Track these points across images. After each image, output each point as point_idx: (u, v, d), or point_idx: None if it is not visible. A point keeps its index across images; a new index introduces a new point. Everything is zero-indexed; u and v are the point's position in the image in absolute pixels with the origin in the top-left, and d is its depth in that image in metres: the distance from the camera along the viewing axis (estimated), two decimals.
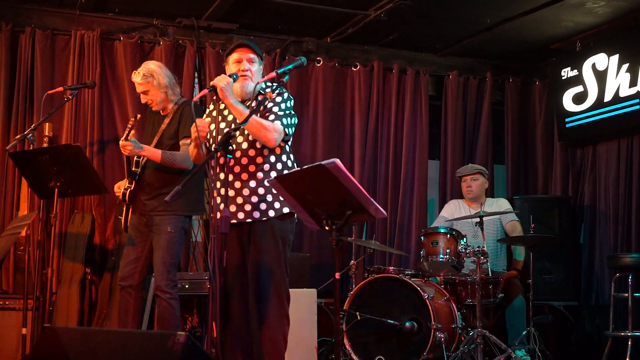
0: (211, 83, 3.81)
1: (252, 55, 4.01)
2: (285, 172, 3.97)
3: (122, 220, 4.81)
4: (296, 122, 4.03)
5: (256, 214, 3.92)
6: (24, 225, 5.01)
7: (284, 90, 3.97)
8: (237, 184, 3.93)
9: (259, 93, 3.95)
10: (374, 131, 6.83)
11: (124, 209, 4.80)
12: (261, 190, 3.93)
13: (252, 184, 3.92)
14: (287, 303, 3.99)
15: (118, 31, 6.18)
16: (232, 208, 3.93)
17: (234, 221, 3.93)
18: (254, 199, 3.92)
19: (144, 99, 4.86)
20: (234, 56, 4.02)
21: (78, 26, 6.06)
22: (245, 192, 3.92)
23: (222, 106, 3.97)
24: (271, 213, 3.94)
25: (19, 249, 5.68)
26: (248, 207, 3.92)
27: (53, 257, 4.96)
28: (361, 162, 6.76)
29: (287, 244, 4.00)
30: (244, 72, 3.95)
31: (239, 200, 3.93)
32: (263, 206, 3.93)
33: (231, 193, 3.93)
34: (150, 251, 4.75)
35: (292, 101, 4.03)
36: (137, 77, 4.81)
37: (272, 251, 3.93)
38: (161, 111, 4.89)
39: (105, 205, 5.98)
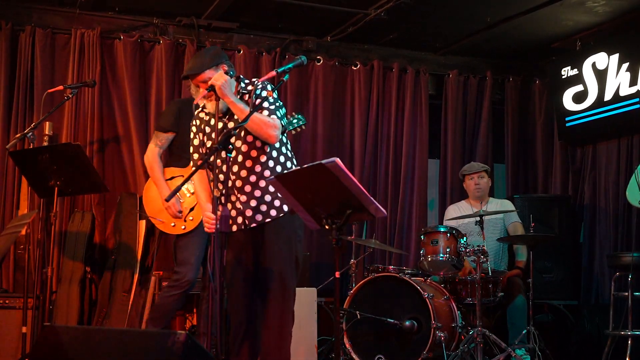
0: (209, 82, 3.79)
1: (202, 78, 3.85)
2: (289, 163, 3.99)
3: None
4: (285, 111, 4.01)
5: (273, 212, 3.91)
6: (24, 224, 5.01)
7: (265, 83, 3.90)
8: (247, 188, 3.90)
9: (242, 93, 3.93)
10: (374, 130, 6.83)
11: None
12: (272, 188, 3.90)
13: (262, 183, 3.90)
14: (292, 302, 3.99)
15: (118, 30, 6.18)
16: (249, 213, 3.88)
17: (254, 225, 3.91)
18: (267, 197, 3.90)
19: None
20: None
21: (78, 25, 6.05)
22: (257, 193, 3.90)
23: (205, 117, 3.97)
24: (285, 207, 3.93)
25: (19, 247, 5.67)
26: (264, 208, 3.90)
27: (53, 256, 4.96)
28: (361, 161, 6.76)
29: (297, 240, 4.01)
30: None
31: (253, 203, 3.90)
32: (277, 203, 3.92)
33: (243, 199, 3.89)
34: None
35: (275, 91, 3.96)
36: None
37: (284, 250, 3.92)
38: None
39: (105, 204, 5.98)
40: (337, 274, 3.46)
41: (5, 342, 5.09)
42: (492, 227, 5.93)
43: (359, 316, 5.20)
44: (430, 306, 5.10)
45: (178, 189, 3.42)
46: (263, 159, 3.90)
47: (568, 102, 6.74)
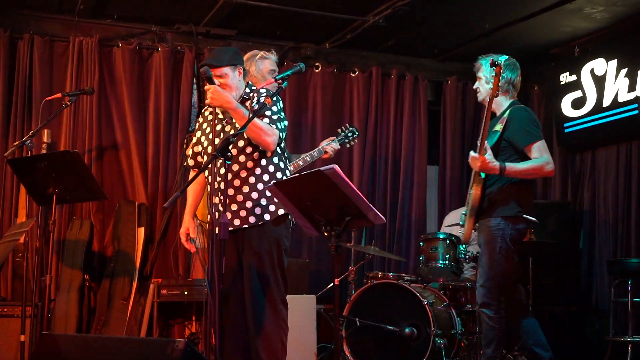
0: (207, 103, 3.82)
1: (219, 71, 3.89)
2: (279, 174, 3.97)
3: None
4: (287, 125, 4.03)
5: (252, 219, 3.92)
6: (22, 232, 5.00)
7: (270, 92, 3.93)
8: (230, 191, 3.92)
9: (244, 98, 3.94)
10: (373, 137, 6.83)
11: None
12: (255, 195, 3.91)
13: (245, 189, 3.91)
14: (283, 308, 3.96)
15: (116, 37, 6.18)
16: (228, 216, 3.91)
17: (231, 228, 3.92)
18: (249, 204, 3.91)
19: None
20: None
21: (76, 32, 6.06)
22: (239, 198, 3.91)
23: (210, 117, 4.00)
24: (267, 217, 3.92)
25: (18, 255, 5.66)
26: (243, 213, 3.91)
27: (51, 264, 4.95)
28: (360, 167, 6.76)
29: (281, 249, 3.98)
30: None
31: (234, 207, 3.92)
32: (258, 211, 3.92)
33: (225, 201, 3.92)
34: None
35: (281, 102, 4.01)
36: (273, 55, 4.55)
37: (265, 256, 3.91)
38: None
39: (103, 211, 5.97)
40: (336, 281, 3.46)
41: (4, 351, 5.08)
42: None
43: (358, 323, 5.19)
44: (429, 313, 5.09)
45: (177, 196, 3.41)
46: (250, 165, 3.91)
47: (566, 108, 6.75)
